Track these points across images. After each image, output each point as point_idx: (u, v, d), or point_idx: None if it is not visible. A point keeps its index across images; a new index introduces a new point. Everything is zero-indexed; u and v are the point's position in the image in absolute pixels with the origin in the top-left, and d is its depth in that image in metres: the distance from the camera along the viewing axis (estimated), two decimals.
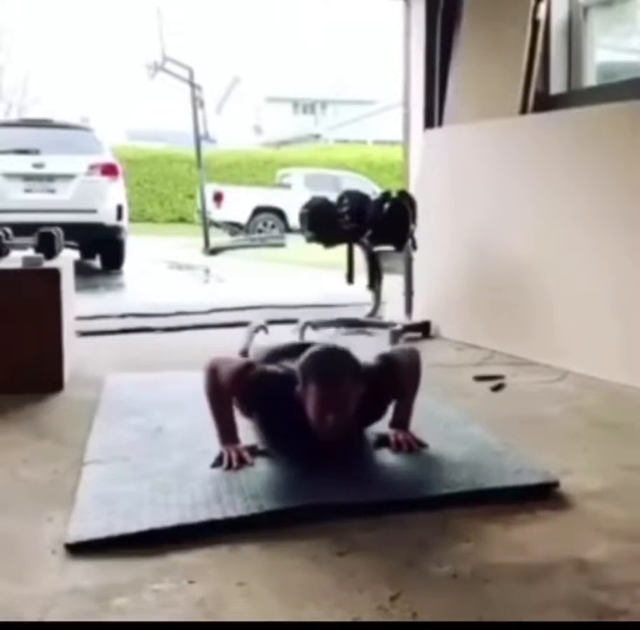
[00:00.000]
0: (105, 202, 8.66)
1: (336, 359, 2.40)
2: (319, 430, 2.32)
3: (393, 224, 4.51)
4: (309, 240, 4.74)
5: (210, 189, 14.88)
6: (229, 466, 2.26)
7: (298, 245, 8.85)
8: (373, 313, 4.88)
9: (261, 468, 2.28)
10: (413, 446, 2.45)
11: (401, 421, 2.54)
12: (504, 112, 4.49)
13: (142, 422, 2.78)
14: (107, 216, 8.64)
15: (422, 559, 1.78)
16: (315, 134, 28.23)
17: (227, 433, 2.39)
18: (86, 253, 9.29)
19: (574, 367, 3.63)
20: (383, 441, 2.48)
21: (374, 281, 4.79)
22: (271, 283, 8.09)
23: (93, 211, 8.51)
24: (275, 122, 32.10)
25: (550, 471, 2.27)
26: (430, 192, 4.72)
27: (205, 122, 14.07)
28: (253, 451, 2.36)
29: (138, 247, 10.45)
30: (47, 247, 3.73)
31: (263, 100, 34.09)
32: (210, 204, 14.66)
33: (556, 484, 2.19)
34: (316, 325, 4.71)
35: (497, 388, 3.38)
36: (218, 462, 2.29)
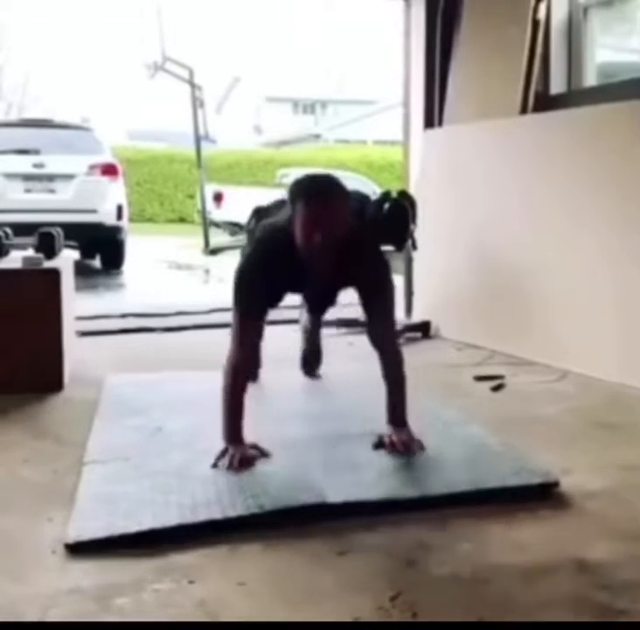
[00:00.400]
0: (105, 202, 8.66)
1: (322, 180, 2.50)
2: (306, 249, 2.39)
3: (392, 224, 4.50)
4: None
5: (210, 189, 14.86)
6: (230, 466, 2.26)
7: None
8: None
9: (261, 468, 2.28)
10: (410, 447, 2.43)
11: (398, 418, 2.52)
12: (504, 112, 4.49)
13: (142, 422, 2.78)
14: (107, 216, 8.64)
15: (422, 559, 1.78)
16: (315, 134, 28.21)
17: (235, 432, 2.39)
18: (86, 253, 9.28)
19: (574, 367, 3.63)
20: (381, 443, 2.47)
21: None
22: None
23: (93, 211, 8.51)
24: (275, 122, 32.09)
25: (550, 471, 2.27)
26: (430, 193, 4.72)
27: (205, 122, 14.06)
28: (255, 450, 2.36)
29: (138, 247, 10.45)
30: (47, 247, 3.73)
31: (263, 100, 34.08)
32: (210, 204, 14.65)
33: (556, 484, 2.19)
34: None
35: (497, 388, 3.38)
36: (220, 456, 2.29)
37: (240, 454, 2.30)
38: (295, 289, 2.76)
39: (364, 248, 2.56)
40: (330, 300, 2.98)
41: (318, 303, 3.09)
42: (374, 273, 2.56)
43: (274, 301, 2.64)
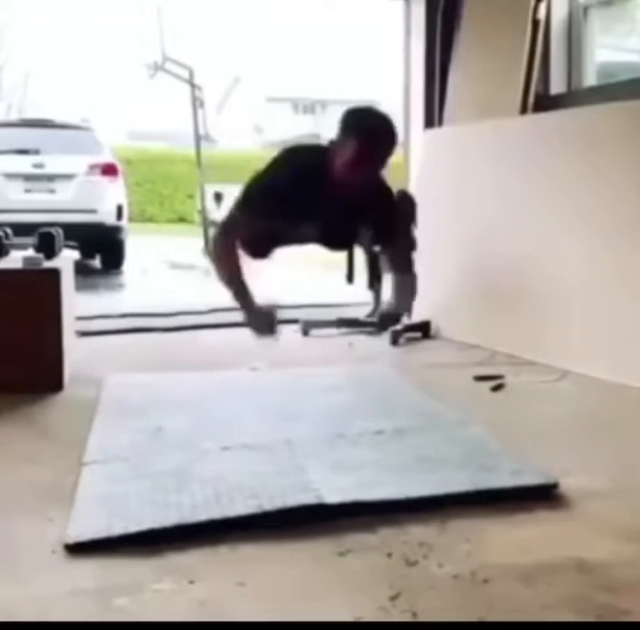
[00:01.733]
0: (105, 202, 8.67)
1: (385, 120, 2.49)
2: (343, 178, 2.46)
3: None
4: None
5: (210, 189, 14.85)
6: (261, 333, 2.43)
7: None
8: (373, 313, 4.87)
9: (261, 468, 2.28)
10: None
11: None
12: (504, 112, 4.49)
13: (142, 422, 2.78)
14: (107, 216, 8.64)
15: (422, 559, 1.78)
16: (315, 134, 28.20)
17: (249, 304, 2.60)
18: (86, 253, 9.29)
19: (574, 367, 3.63)
20: None
21: (374, 281, 4.79)
22: (271, 283, 8.08)
23: (93, 211, 8.52)
24: (275, 122, 32.08)
25: (550, 471, 2.26)
26: (430, 193, 4.72)
27: (205, 122, 14.05)
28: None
29: (138, 247, 10.45)
30: (47, 247, 3.73)
31: (263, 100, 34.07)
32: (210, 204, 14.63)
33: (556, 484, 2.19)
34: (316, 325, 4.72)
35: (497, 388, 3.38)
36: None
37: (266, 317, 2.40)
38: (306, 215, 2.80)
39: (383, 194, 2.59)
40: (347, 234, 3.07)
41: (333, 235, 3.15)
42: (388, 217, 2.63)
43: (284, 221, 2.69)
